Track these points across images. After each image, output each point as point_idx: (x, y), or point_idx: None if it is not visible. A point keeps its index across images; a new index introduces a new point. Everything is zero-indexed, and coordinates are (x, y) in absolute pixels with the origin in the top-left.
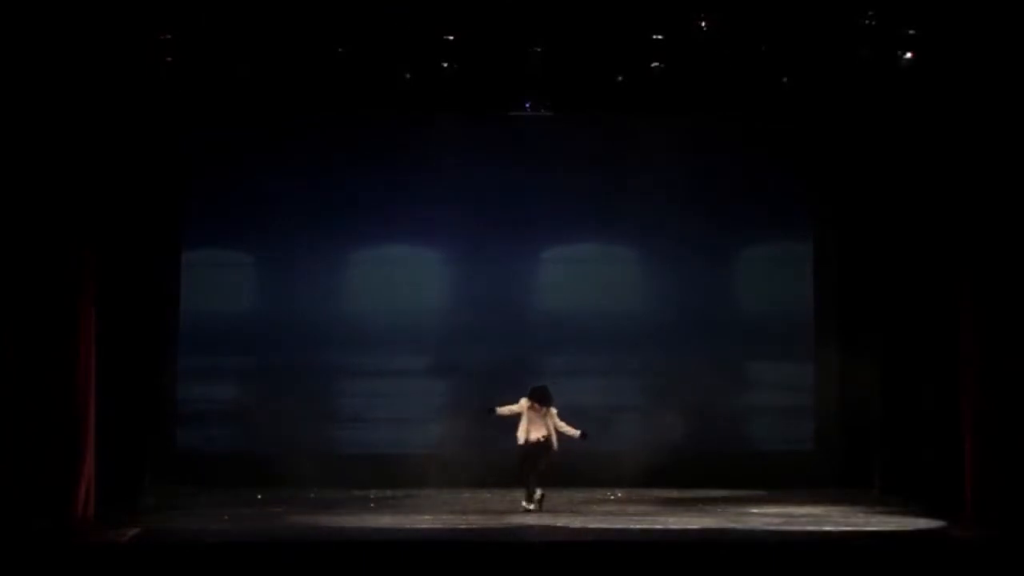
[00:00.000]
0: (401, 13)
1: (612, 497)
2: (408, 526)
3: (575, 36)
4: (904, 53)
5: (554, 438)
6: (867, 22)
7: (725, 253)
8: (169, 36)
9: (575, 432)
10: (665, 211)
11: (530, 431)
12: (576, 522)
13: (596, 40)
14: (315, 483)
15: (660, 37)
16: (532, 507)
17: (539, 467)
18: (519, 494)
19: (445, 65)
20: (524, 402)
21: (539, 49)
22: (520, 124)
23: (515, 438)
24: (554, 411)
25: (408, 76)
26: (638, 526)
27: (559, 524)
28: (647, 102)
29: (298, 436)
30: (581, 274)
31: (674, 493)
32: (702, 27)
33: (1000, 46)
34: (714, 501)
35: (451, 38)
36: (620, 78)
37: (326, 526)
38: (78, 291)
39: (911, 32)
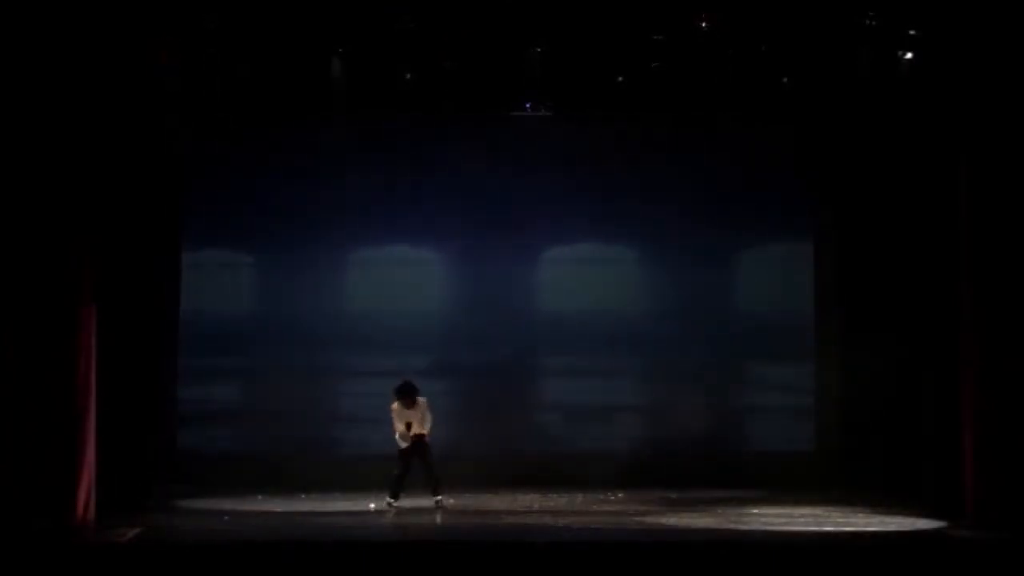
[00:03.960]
0: (401, 14)
1: (612, 497)
2: (408, 526)
3: (575, 36)
4: (905, 53)
5: (425, 430)
6: (867, 22)
7: (725, 253)
8: (169, 37)
9: (421, 431)
10: (665, 211)
11: (406, 430)
12: (577, 522)
13: (596, 40)
14: (315, 483)
15: (660, 37)
16: (394, 503)
17: (410, 466)
18: (519, 494)
19: (445, 65)
20: (395, 405)
21: (539, 49)
22: (520, 124)
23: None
24: (423, 401)
25: (408, 76)
26: (638, 526)
27: (560, 524)
28: (647, 102)
29: (298, 436)
30: (581, 274)
31: (674, 493)
32: (702, 27)
33: (1001, 47)
34: (714, 501)
35: (451, 38)
36: (620, 78)
37: (326, 526)
38: (78, 291)
39: (912, 32)
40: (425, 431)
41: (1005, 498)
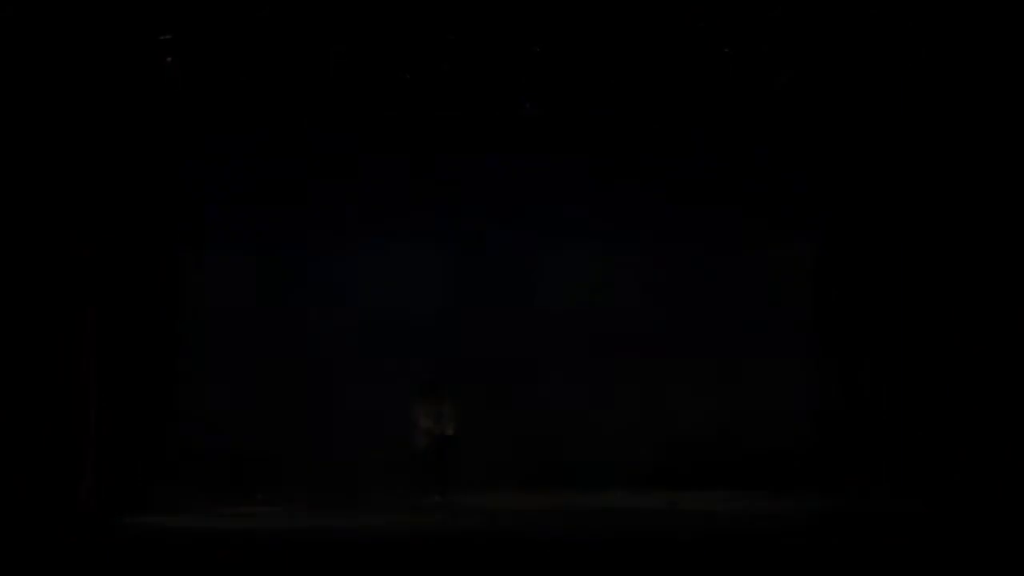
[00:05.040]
0: (401, 13)
1: (613, 497)
2: (408, 526)
3: (575, 36)
4: (907, 52)
5: (450, 429)
6: (870, 21)
7: (725, 253)
8: (170, 36)
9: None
10: (665, 211)
11: (430, 427)
12: (577, 522)
13: (596, 40)
14: (314, 483)
15: (660, 37)
16: (440, 499)
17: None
18: (521, 494)
19: (444, 66)
20: (418, 405)
21: (539, 49)
22: (519, 124)
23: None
24: (446, 399)
25: (408, 76)
26: (639, 526)
27: (559, 523)
28: (647, 102)
29: (298, 436)
30: (581, 274)
31: (674, 493)
32: (703, 26)
33: (1003, 47)
34: (714, 501)
35: (451, 38)
36: (619, 78)
37: (326, 526)
38: (78, 291)
39: (914, 31)
40: (451, 431)
41: (1005, 498)
